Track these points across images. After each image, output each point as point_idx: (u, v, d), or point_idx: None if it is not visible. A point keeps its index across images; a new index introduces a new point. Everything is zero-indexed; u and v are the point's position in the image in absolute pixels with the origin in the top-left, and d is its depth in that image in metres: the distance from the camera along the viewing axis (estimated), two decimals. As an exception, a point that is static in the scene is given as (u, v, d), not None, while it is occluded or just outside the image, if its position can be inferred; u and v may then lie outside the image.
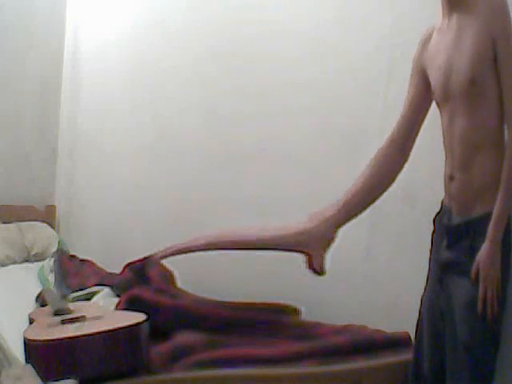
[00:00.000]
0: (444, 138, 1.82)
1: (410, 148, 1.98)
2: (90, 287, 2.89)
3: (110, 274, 3.20)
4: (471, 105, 1.70)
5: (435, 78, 1.82)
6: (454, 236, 1.77)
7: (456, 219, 1.77)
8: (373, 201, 2.02)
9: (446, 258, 1.78)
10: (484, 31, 1.66)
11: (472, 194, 1.73)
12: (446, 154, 1.81)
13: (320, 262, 1.93)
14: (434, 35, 1.85)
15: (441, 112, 1.83)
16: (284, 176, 2.90)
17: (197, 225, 3.33)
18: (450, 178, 1.78)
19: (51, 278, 3.29)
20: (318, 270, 1.98)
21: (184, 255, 3.23)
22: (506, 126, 1.68)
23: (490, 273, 1.64)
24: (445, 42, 1.78)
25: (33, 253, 3.89)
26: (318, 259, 1.94)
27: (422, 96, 1.95)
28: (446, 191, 1.83)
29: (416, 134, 2.00)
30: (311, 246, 1.91)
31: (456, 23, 1.74)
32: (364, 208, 2.02)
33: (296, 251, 2.10)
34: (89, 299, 2.74)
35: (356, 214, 2.02)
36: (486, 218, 1.67)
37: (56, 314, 2.06)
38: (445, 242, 1.79)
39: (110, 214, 3.94)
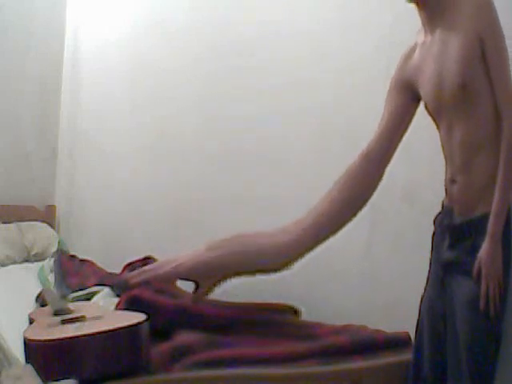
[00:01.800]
0: (443, 147, 1.82)
1: (386, 166, 1.93)
2: (90, 287, 2.88)
3: (110, 274, 3.20)
4: (466, 109, 1.70)
5: (426, 91, 1.81)
6: (456, 236, 1.77)
7: (458, 219, 1.77)
8: (341, 227, 1.91)
9: (447, 257, 1.78)
10: (470, 31, 1.66)
11: (473, 195, 1.73)
12: (445, 160, 1.81)
13: (204, 292, 1.88)
14: (417, 50, 1.85)
15: (437, 124, 1.83)
16: (284, 176, 2.90)
17: (197, 225, 3.34)
18: (451, 182, 1.78)
19: (51, 278, 3.28)
20: (196, 298, 1.92)
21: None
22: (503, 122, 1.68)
23: (492, 270, 1.64)
24: (432, 54, 1.78)
25: (33, 253, 3.89)
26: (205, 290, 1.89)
27: (402, 112, 1.95)
28: (447, 193, 1.83)
29: (393, 152, 1.95)
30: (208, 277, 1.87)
31: (440, 35, 1.75)
32: (326, 237, 1.90)
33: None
34: (89, 299, 2.74)
35: (316, 243, 1.89)
36: (488, 217, 1.67)
37: (56, 314, 2.06)
38: (446, 242, 1.79)
39: (110, 214, 3.94)
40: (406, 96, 1.92)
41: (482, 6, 1.66)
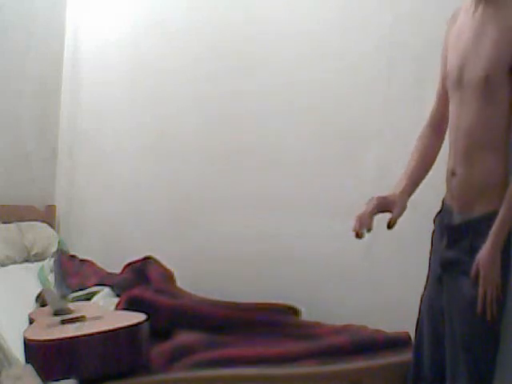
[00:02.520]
0: (450, 129, 1.82)
1: (446, 129, 1.93)
2: (90, 287, 2.89)
3: (110, 274, 3.20)
4: (481, 100, 1.68)
5: (452, 63, 1.80)
6: (455, 235, 1.77)
7: (457, 218, 1.77)
8: (425, 175, 1.98)
9: (446, 257, 1.78)
10: (505, 35, 1.64)
11: (473, 192, 1.72)
12: (450, 146, 1.81)
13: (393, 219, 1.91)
14: (461, 16, 1.81)
15: (450, 98, 1.81)
16: (284, 176, 2.90)
17: (197, 225, 3.34)
18: (451, 174, 1.78)
19: (51, 278, 3.28)
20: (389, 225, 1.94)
21: (184, 254, 3.25)
22: None
23: (490, 272, 1.64)
24: (467, 30, 1.75)
25: (33, 253, 3.89)
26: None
27: None
28: (447, 188, 1.83)
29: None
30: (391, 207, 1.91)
31: (480, 16, 1.71)
32: (420, 182, 1.97)
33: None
34: (89, 299, 2.74)
35: (416, 187, 1.97)
36: (487, 217, 1.67)
37: (56, 314, 2.06)
38: (445, 242, 1.79)
39: (110, 214, 3.94)
40: None
41: None
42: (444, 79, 1.89)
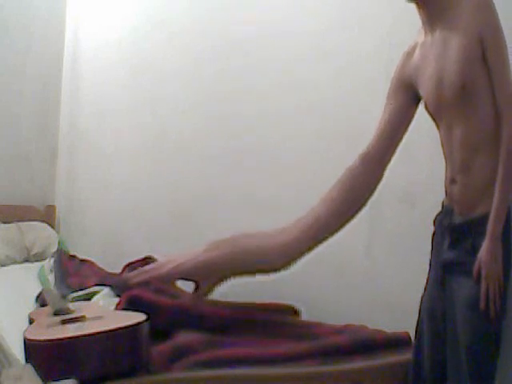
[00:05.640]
0: (443, 147, 1.82)
1: (386, 166, 1.92)
2: (89, 287, 2.88)
3: (110, 273, 3.20)
4: (466, 110, 1.70)
5: (426, 91, 1.81)
6: (456, 236, 1.77)
7: (458, 219, 1.78)
8: (340, 227, 1.91)
9: (447, 257, 1.78)
10: (470, 31, 1.66)
11: (473, 195, 1.73)
12: (445, 160, 1.81)
13: (204, 292, 1.87)
14: (418, 50, 1.85)
15: (437, 124, 1.83)
16: (284, 176, 2.90)
17: (197, 225, 3.34)
18: (451, 182, 1.78)
19: (51, 278, 3.28)
20: (196, 298, 1.91)
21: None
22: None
23: (492, 270, 1.64)
24: (432, 54, 1.77)
25: (33, 253, 3.89)
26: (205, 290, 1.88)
27: (402, 111, 1.94)
28: (447, 193, 1.83)
29: (393, 152, 1.94)
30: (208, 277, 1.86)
31: (440, 35, 1.74)
32: (325, 238, 1.90)
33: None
34: (89, 299, 2.74)
35: (315, 244, 1.89)
36: (488, 217, 1.67)
37: (56, 314, 2.06)
38: (446, 242, 1.79)
39: (110, 214, 3.94)
40: (407, 95, 1.92)
41: (481, 6, 1.66)
42: (393, 112, 1.88)
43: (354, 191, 1.92)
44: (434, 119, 1.85)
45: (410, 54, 1.89)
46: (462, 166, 1.74)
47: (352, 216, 1.95)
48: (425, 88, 1.82)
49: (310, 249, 2.00)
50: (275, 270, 2.12)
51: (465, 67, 1.67)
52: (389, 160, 1.94)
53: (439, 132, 1.83)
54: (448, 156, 1.80)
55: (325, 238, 1.99)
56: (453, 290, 1.75)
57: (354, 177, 1.94)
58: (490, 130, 1.70)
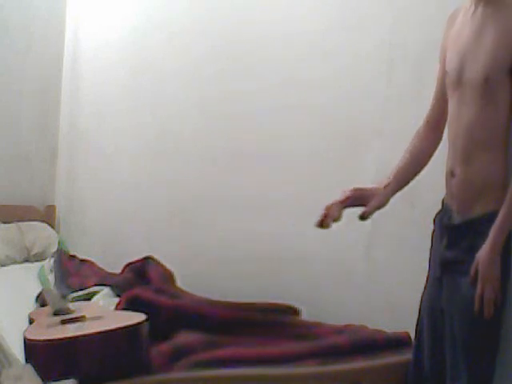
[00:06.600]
0: (449, 128, 1.81)
1: (443, 127, 1.93)
2: (89, 287, 2.89)
3: (110, 273, 3.20)
4: (481, 99, 1.68)
5: (451, 63, 1.79)
6: (454, 235, 1.77)
7: (456, 218, 1.77)
8: (414, 176, 1.98)
9: (445, 257, 1.78)
10: (505, 36, 1.63)
11: (472, 193, 1.72)
12: (448, 146, 1.80)
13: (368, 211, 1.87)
14: (460, 17, 1.80)
15: (450, 98, 1.81)
16: (284, 176, 2.90)
17: (197, 225, 3.34)
18: (450, 175, 1.78)
19: (51, 278, 3.29)
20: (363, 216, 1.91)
21: (184, 254, 3.24)
22: None
23: (489, 272, 1.64)
24: (467, 30, 1.74)
25: (33, 253, 3.90)
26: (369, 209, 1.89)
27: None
28: (447, 188, 1.82)
29: (447, 116, 1.92)
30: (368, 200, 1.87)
31: (480, 16, 1.70)
32: (407, 182, 1.97)
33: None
34: (89, 299, 2.74)
35: (402, 187, 1.97)
36: (487, 217, 1.67)
37: (56, 314, 2.06)
38: (445, 242, 1.79)
39: (110, 214, 3.94)
40: None
41: None
42: (442, 79, 1.89)
43: (419, 150, 1.96)
44: (448, 93, 1.82)
45: (453, 20, 1.84)
46: (463, 157, 1.72)
47: (420, 168, 1.98)
48: (451, 57, 1.79)
49: (395, 192, 2.03)
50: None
51: (491, 65, 1.65)
52: (444, 123, 1.92)
53: (449, 109, 1.80)
54: (452, 141, 1.78)
55: (403, 185, 1.99)
56: (451, 289, 1.75)
57: (419, 138, 1.97)
58: (498, 131, 1.68)
